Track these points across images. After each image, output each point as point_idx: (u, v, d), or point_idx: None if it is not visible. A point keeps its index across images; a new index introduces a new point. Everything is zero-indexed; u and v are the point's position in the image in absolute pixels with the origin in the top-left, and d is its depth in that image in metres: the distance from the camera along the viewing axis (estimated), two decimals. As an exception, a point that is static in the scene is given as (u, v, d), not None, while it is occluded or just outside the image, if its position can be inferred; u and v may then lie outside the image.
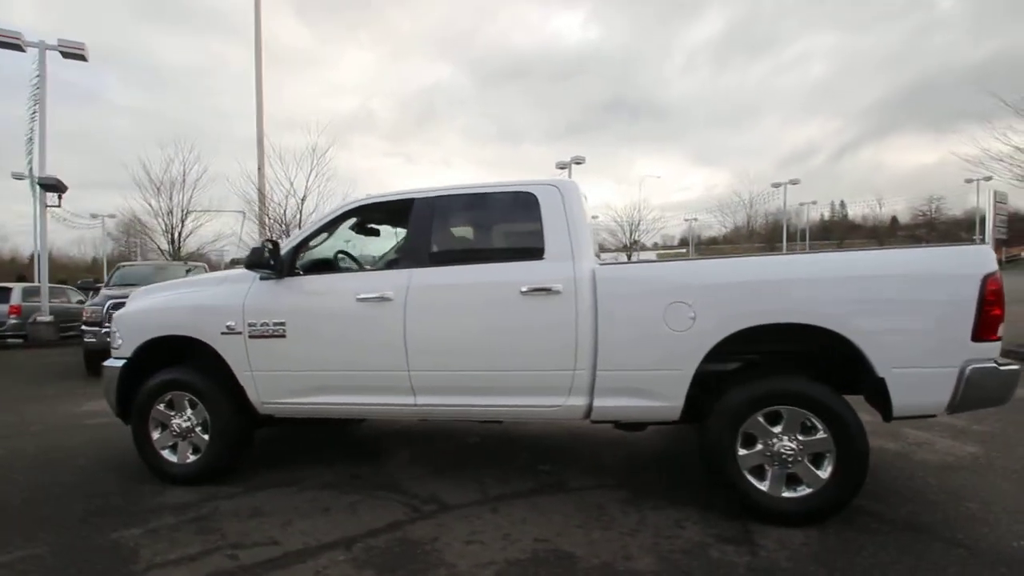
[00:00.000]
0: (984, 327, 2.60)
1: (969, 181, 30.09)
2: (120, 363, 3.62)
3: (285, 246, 3.40)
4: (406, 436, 4.51)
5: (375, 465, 3.82)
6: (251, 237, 16.83)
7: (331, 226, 3.55)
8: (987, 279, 2.60)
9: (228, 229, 19.90)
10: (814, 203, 44.17)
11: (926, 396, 2.67)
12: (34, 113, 12.75)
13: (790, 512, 2.72)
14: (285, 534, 2.78)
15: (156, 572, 2.46)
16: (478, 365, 3.05)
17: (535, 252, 3.08)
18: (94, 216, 30.87)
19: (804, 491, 2.72)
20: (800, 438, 2.72)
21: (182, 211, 19.32)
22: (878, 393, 2.74)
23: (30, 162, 13.67)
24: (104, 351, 7.82)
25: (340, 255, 3.77)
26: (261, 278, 3.41)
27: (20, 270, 37.87)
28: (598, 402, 2.95)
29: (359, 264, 3.96)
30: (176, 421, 3.50)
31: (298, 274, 3.43)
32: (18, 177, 19.05)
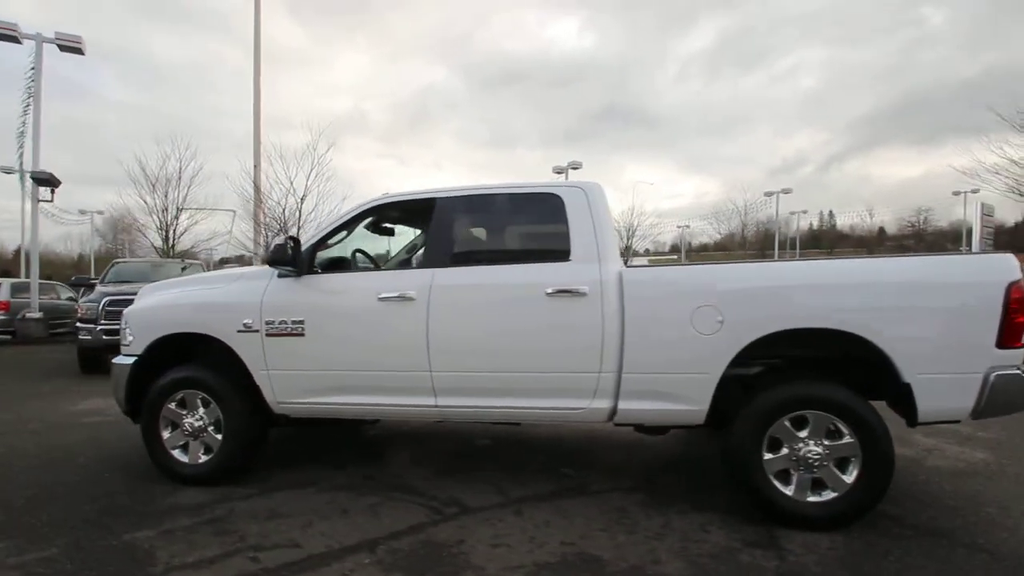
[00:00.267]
0: (1008, 334, 2.62)
1: (957, 193, 30.64)
2: (130, 360, 3.54)
3: (304, 244, 3.35)
4: (416, 437, 4.47)
5: (389, 466, 3.77)
6: (245, 236, 16.68)
7: (350, 224, 3.51)
8: (1011, 287, 2.62)
9: (223, 227, 19.69)
10: (804, 212, 44.70)
11: (951, 402, 2.69)
12: (27, 107, 12.54)
13: (815, 517, 2.72)
14: (306, 536, 2.73)
15: (175, 575, 2.40)
16: (502, 366, 3.03)
17: (561, 254, 3.06)
18: (83, 212, 30.38)
19: (829, 495, 2.73)
20: (826, 442, 2.73)
21: (177, 208, 19.08)
22: (902, 399, 2.75)
23: (20, 156, 13.45)
24: (99, 349, 7.78)
25: (357, 253, 3.73)
26: (279, 275, 3.36)
27: (4, 265, 37.17)
28: (623, 405, 2.94)
29: (375, 263, 3.92)
30: (188, 420, 3.43)
31: (316, 272, 3.39)
32: (7, 171, 18.74)
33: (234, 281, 3.54)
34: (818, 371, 3.02)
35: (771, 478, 2.76)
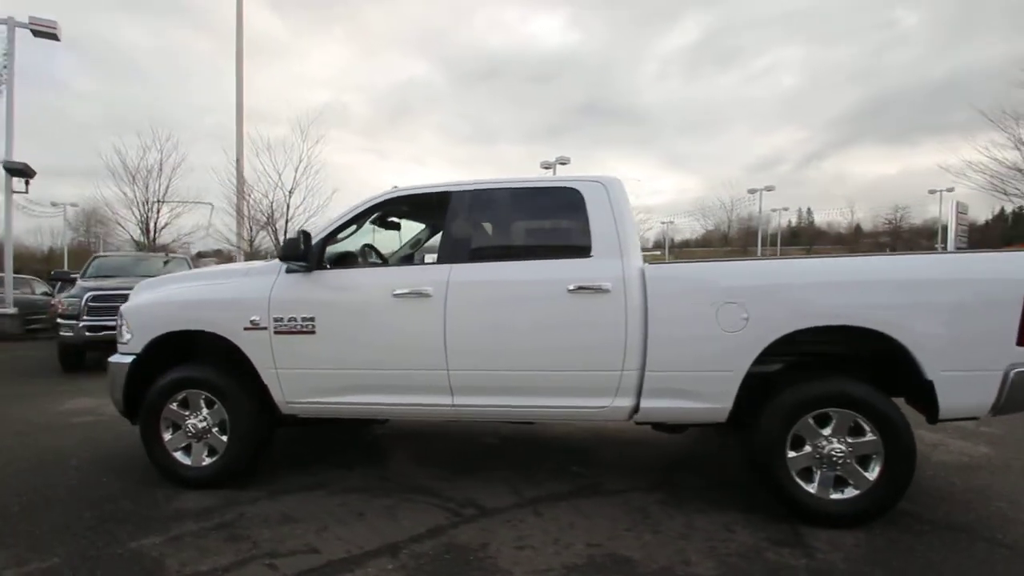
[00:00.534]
0: (1028, 331, 2.64)
1: (933, 192, 31.36)
2: (129, 359, 3.39)
3: (314, 238, 3.24)
4: (422, 436, 4.39)
5: (398, 467, 3.69)
6: (229, 229, 16.29)
7: (360, 219, 3.41)
8: None
9: (206, 220, 19.16)
10: (785, 209, 45.44)
11: (972, 399, 2.70)
12: (-1, 94, 12.02)
13: (838, 514, 2.72)
14: (323, 541, 2.65)
15: (190, 584, 2.30)
16: (521, 365, 2.96)
17: (581, 250, 3.00)
18: (55, 205, 29.40)
19: (852, 493, 2.73)
20: (849, 440, 2.72)
21: (158, 201, 18.50)
22: (922, 395, 2.76)
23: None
24: (81, 346, 7.51)
25: (366, 248, 3.63)
26: (287, 270, 3.25)
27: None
28: (645, 403, 2.90)
29: (383, 258, 3.82)
30: (191, 421, 3.30)
31: (325, 267, 3.28)
32: (-25, 161, 17.98)
33: (239, 276, 3.41)
34: (834, 368, 3.02)
35: (794, 476, 2.75)
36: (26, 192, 12.14)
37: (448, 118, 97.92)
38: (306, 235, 3.12)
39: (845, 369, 2.97)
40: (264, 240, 15.89)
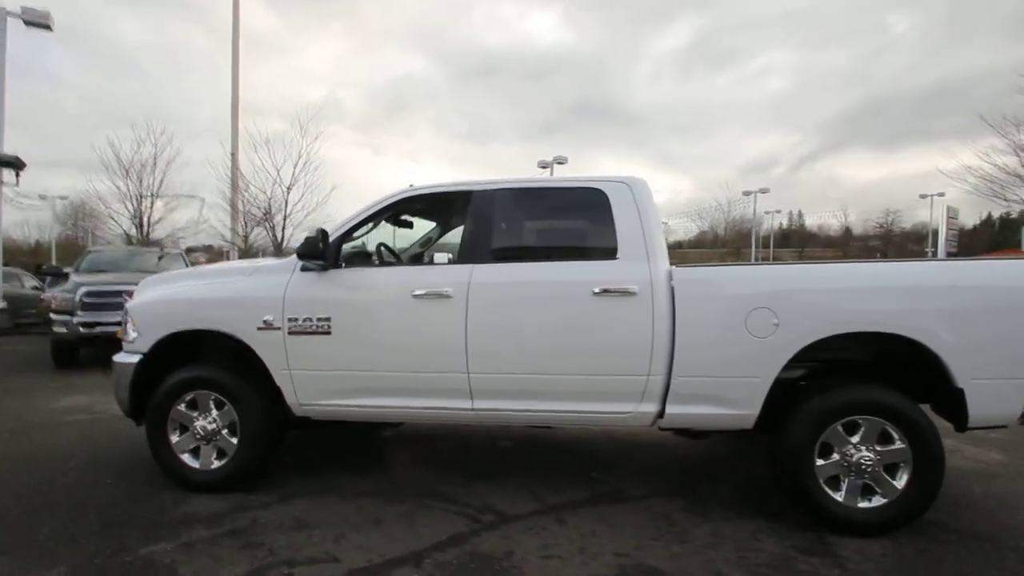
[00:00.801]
0: (1058, 340, 2.62)
1: (924, 196, 31.64)
2: (134, 359, 3.27)
3: (331, 236, 3.15)
4: (434, 439, 4.30)
5: (413, 471, 3.61)
6: (223, 224, 16.05)
7: (376, 217, 3.32)
8: None
9: (202, 216, 18.85)
10: (778, 212, 45.66)
11: (1001, 407, 2.68)
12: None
13: (865, 523, 2.68)
14: (341, 548, 2.56)
15: (206, 594, 2.21)
16: (545, 368, 2.90)
17: (607, 252, 2.94)
18: (43, 197, 28.80)
19: (879, 501, 2.69)
20: (878, 448, 2.69)
21: (152, 195, 18.20)
22: (951, 403, 2.73)
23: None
24: (75, 342, 7.33)
25: (381, 247, 3.54)
26: (302, 269, 3.15)
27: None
28: (670, 409, 2.84)
29: (397, 257, 3.74)
30: (199, 423, 3.20)
31: (341, 266, 3.19)
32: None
33: (251, 274, 3.31)
34: (858, 375, 2.98)
35: (822, 484, 2.71)
36: (16, 185, 11.87)
37: (443, 113, 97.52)
38: (325, 234, 3.03)
39: (871, 376, 2.94)
40: (259, 236, 15.71)
